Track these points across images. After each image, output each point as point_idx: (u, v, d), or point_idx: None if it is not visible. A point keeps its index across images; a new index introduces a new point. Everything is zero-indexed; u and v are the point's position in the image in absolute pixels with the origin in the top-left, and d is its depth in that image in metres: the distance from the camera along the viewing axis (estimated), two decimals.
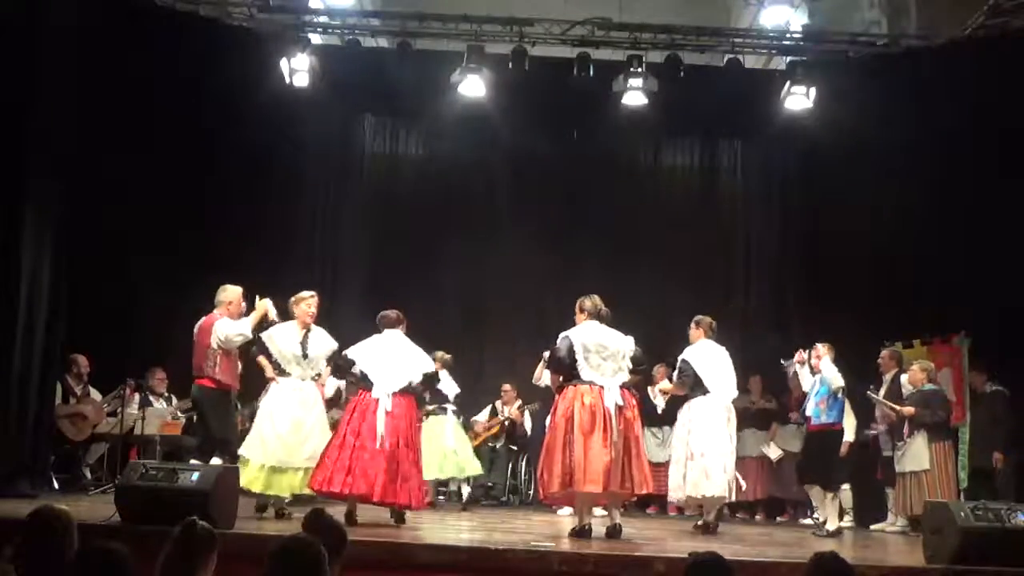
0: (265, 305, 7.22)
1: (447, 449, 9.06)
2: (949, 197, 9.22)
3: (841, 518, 9.12)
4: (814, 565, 3.51)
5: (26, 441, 7.78)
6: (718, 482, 7.64)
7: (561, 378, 6.87)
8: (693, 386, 7.82)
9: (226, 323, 7.12)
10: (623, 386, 6.74)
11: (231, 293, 7.27)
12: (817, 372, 8.06)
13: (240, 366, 7.40)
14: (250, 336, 7.22)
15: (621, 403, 6.62)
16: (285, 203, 10.64)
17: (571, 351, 6.71)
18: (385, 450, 6.75)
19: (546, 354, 7.23)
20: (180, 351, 9.27)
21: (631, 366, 6.82)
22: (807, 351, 8.24)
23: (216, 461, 6.97)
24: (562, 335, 6.90)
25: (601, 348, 6.72)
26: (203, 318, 7.21)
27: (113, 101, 8.92)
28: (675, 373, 8.06)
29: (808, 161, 10.88)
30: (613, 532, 6.64)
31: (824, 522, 8.01)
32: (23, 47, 7.85)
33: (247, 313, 7.26)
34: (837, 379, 7.89)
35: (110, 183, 9.02)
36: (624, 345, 6.83)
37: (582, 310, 6.94)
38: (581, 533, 6.54)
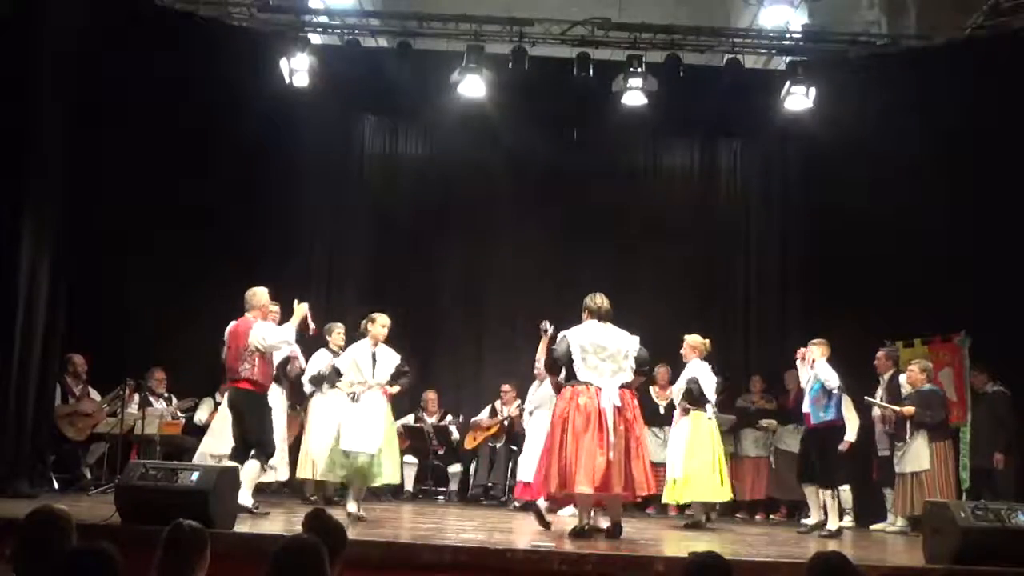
0: (304, 309, 7.28)
1: None
2: (949, 196, 9.22)
3: (841, 518, 9.14)
4: (817, 564, 3.50)
5: (26, 441, 7.78)
6: None
7: (561, 379, 6.87)
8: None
9: (268, 328, 7.15)
10: (624, 387, 6.72)
11: (261, 296, 7.30)
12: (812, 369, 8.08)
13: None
14: (294, 342, 7.32)
15: (618, 403, 6.60)
16: (285, 203, 10.64)
17: (568, 352, 6.72)
18: None
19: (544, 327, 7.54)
20: (179, 351, 9.34)
21: (635, 366, 6.80)
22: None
23: (254, 464, 7.01)
24: (560, 335, 6.90)
25: (599, 348, 6.71)
26: (234, 322, 7.23)
27: (113, 101, 8.92)
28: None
29: (808, 161, 10.87)
30: (613, 533, 6.64)
31: (817, 523, 8.03)
32: (23, 47, 7.84)
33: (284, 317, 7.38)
34: (832, 378, 7.89)
35: (110, 183, 9.02)
36: (627, 345, 6.79)
37: (585, 309, 6.94)
38: (581, 533, 6.54)
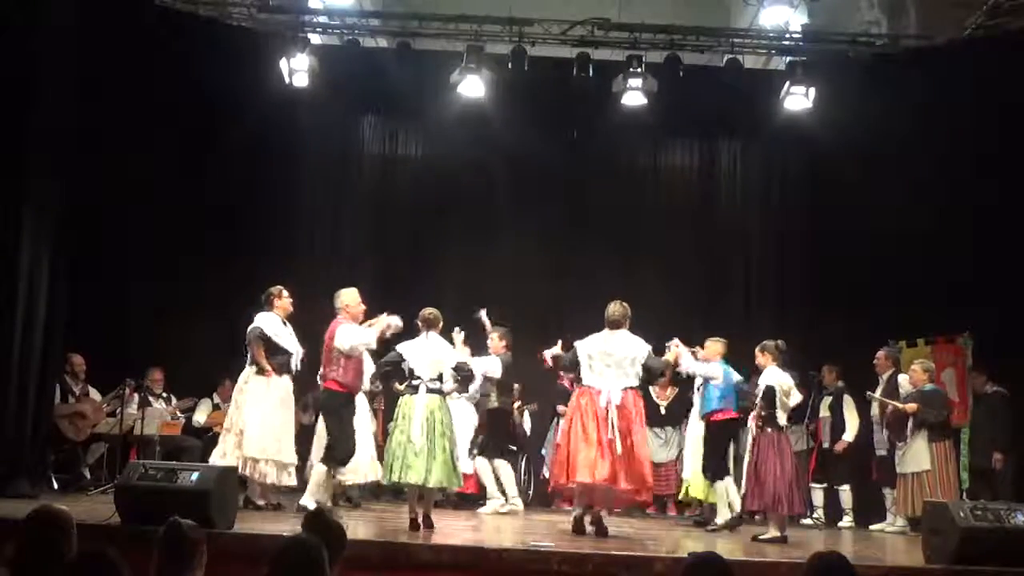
0: (388, 321, 7.37)
1: None
2: (949, 196, 9.22)
3: (841, 518, 9.16)
4: (816, 564, 3.50)
5: (25, 441, 7.77)
6: None
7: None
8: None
9: (348, 331, 7.20)
10: (630, 388, 6.94)
11: (347, 296, 7.41)
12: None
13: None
14: (374, 346, 7.33)
15: (618, 402, 6.84)
16: (284, 203, 10.64)
17: (574, 359, 7.12)
18: None
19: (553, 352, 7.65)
20: (179, 351, 9.34)
21: (641, 373, 7.00)
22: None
23: (321, 468, 7.10)
24: (575, 344, 7.23)
25: (606, 355, 7.01)
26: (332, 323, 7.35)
27: (113, 101, 8.92)
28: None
29: (808, 161, 10.87)
30: (599, 528, 6.87)
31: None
32: (23, 47, 7.84)
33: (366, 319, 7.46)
34: (708, 371, 8.11)
35: (110, 183, 9.02)
36: (634, 352, 7.03)
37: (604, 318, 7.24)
38: (579, 523, 6.85)
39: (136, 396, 9.09)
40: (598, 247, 11.18)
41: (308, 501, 6.99)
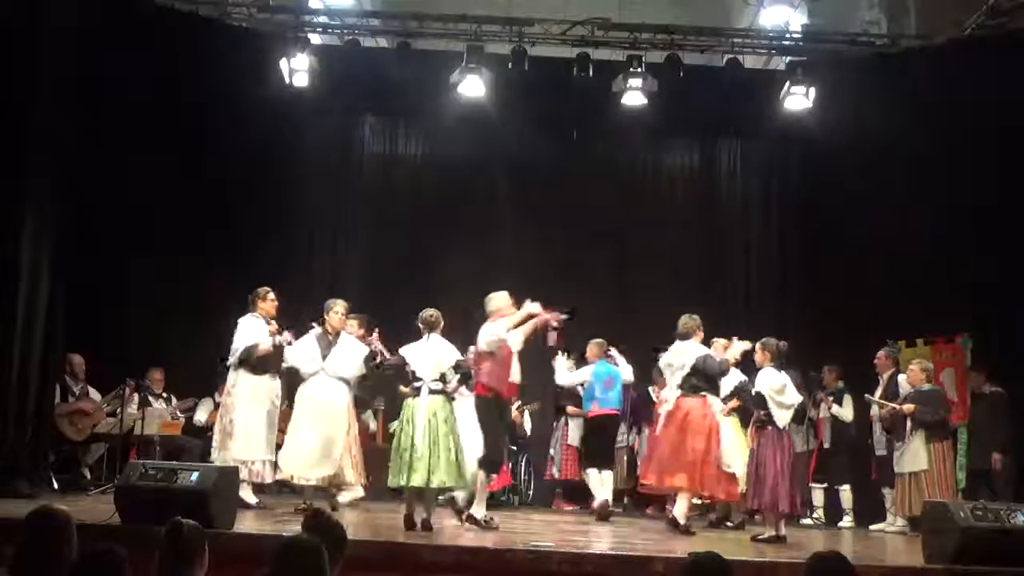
0: (534, 308, 7.23)
1: None
2: (949, 197, 9.22)
3: (841, 518, 9.16)
4: (815, 565, 3.50)
5: (25, 441, 7.78)
6: None
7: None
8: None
9: (487, 328, 7.12)
10: (686, 395, 7.45)
11: (499, 299, 7.30)
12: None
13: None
14: (505, 338, 7.05)
15: (669, 408, 7.49)
16: (285, 202, 10.64)
17: (659, 371, 7.94)
18: None
19: None
20: (179, 351, 9.34)
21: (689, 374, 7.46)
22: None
23: (479, 474, 7.02)
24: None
25: (669, 366, 7.66)
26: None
27: (113, 101, 8.92)
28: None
29: (808, 161, 10.89)
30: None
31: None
32: (23, 47, 7.85)
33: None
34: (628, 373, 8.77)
35: (110, 183, 9.02)
36: (687, 357, 7.49)
37: None
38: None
39: (136, 396, 9.09)
40: (598, 247, 11.18)
41: (478, 511, 6.97)
